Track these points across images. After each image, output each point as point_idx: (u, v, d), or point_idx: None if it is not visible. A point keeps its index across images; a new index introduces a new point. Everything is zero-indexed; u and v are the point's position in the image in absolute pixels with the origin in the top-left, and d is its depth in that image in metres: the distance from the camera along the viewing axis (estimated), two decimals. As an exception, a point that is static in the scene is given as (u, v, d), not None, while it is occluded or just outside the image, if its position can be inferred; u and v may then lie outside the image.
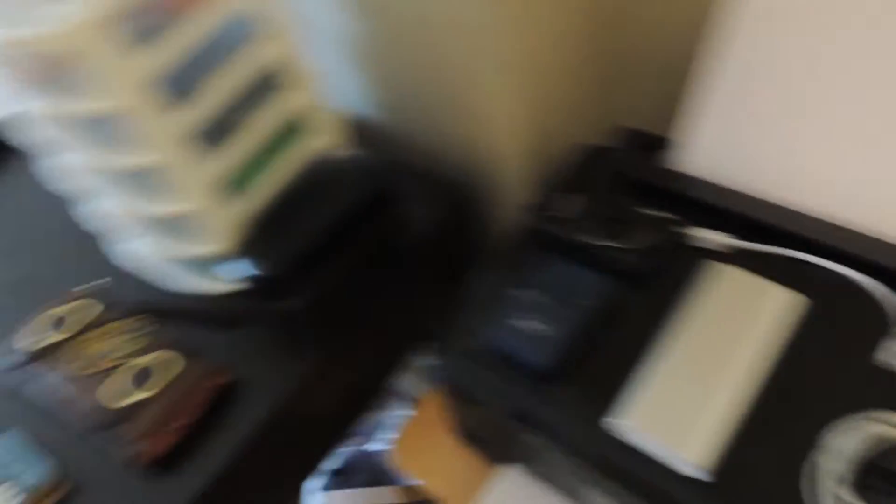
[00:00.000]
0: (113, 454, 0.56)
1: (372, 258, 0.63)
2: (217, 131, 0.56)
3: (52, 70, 0.49)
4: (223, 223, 0.59)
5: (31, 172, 0.79)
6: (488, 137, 0.67)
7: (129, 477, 0.56)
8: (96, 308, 0.63)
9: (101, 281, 0.65)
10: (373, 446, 0.86)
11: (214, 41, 0.53)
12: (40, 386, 0.58)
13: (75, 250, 0.72)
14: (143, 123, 0.51)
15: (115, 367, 0.58)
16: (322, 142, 0.65)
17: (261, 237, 0.60)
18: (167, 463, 0.56)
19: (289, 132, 0.62)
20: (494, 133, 0.66)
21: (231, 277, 0.60)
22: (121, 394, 0.56)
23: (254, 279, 0.59)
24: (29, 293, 0.68)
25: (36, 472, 0.55)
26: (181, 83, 0.52)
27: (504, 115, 0.64)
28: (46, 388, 0.58)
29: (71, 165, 0.57)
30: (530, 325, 0.52)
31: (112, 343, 0.60)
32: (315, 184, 0.63)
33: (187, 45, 0.51)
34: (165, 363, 0.58)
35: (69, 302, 0.63)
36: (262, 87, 0.58)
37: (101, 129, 0.53)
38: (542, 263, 0.56)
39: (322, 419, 0.67)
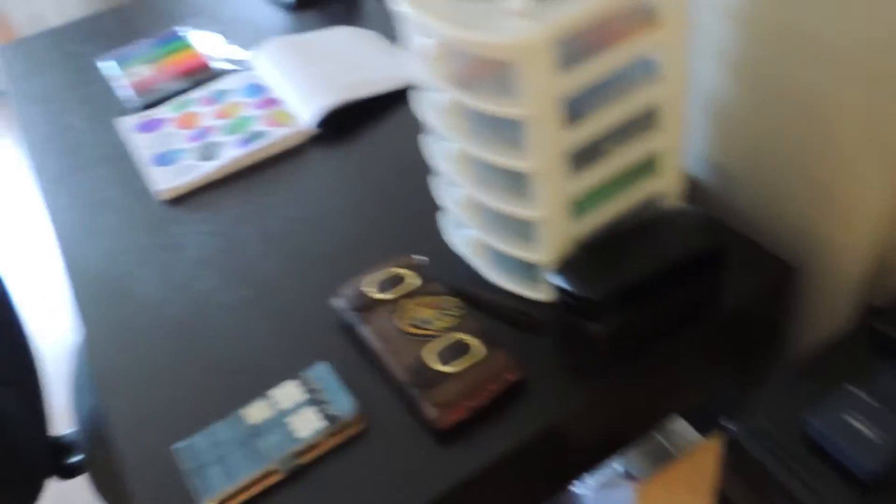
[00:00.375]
0: (410, 410, 0.62)
1: (683, 309, 0.65)
2: (588, 154, 0.60)
3: (485, 71, 0.55)
4: (560, 237, 0.63)
5: (404, 132, 0.89)
6: (835, 218, 0.65)
7: (415, 434, 0.61)
8: (417, 278, 0.69)
9: (422, 258, 0.72)
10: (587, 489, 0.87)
11: (618, 74, 0.57)
12: (365, 331, 0.66)
13: (416, 217, 0.80)
14: (538, 133, 0.56)
15: (429, 337, 0.63)
16: (664, 186, 0.67)
17: (587, 259, 0.63)
18: (450, 436, 0.61)
19: (642, 169, 0.65)
20: (844, 215, 0.65)
21: (550, 287, 0.63)
22: (432, 362, 0.62)
23: (571, 296, 0.62)
24: (371, 245, 0.77)
25: (342, 404, 0.62)
26: (578, 105, 0.57)
27: (861, 197, 0.62)
28: (371, 335, 0.65)
29: (450, 149, 0.64)
30: (858, 425, 0.50)
31: (428, 313, 0.65)
32: (649, 225, 0.65)
33: (600, 73, 0.55)
34: (470, 346, 0.63)
35: (401, 267, 0.70)
36: (639, 123, 0.61)
37: (495, 127, 0.59)
38: (877, 366, 0.54)
39: (582, 446, 0.69)
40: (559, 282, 0.62)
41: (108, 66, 1.14)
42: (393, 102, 0.98)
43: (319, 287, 0.74)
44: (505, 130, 0.59)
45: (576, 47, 0.53)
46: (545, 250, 0.64)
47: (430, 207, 0.81)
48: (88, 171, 0.95)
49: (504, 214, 0.64)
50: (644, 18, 0.55)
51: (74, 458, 1.05)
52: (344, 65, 1.02)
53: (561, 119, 0.55)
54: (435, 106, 0.64)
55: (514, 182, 0.62)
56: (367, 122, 0.96)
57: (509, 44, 0.51)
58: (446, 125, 0.62)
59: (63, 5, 2.75)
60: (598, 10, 0.52)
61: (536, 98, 0.53)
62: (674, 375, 0.69)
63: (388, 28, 1.15)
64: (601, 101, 0.58)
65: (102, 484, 1.02)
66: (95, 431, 1.01)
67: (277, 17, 1.23)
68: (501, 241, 0.66)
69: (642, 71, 0.59)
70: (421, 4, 0.58)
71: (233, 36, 1.19)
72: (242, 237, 0.82)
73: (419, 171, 0.87)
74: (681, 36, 0.58)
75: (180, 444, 0.61)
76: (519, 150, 0.58)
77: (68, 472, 1.05)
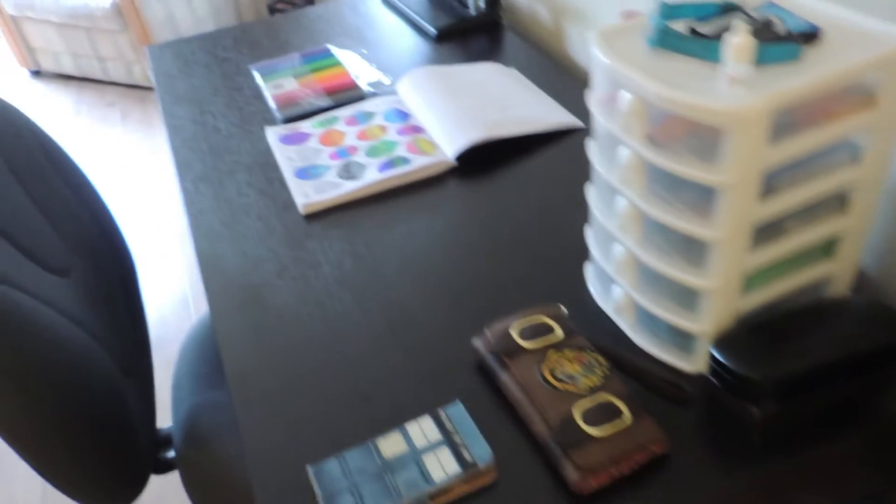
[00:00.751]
0: (547, 467, 0.59)
1: (847, 403, 0.60)
2: (770, 228, 0.57)
3: (681, 132, 0.54)
4: (725, 310, 0.60)
5: (545, 174, 0.88)
6: None
7: (550, 493, 0.59)
8: (561, 330, 0.67)
9: (560, 307, 0.70)
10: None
11: (820, 152, 0.54)
12: (506, 377, 0.64)
13: (555, 263, 0.78)
14: (732, 202, 0.53)
15: (576, 394, 0.61)
16: (837, 270, 0.63)
17: (751, 337, 0.60)
18: (586, 501, 0.58)
19: (820, 250, 0.61)
20: None
21: (703, 360, 0.60)
22: (579, 421, 0.59)
23: (730, 373, 0.59)
24: (510, 287, 0.76)
25: (479, 450, 0.60)
26: (774, 179, 0.54)
27: None
28: (512, 382, 0.63)
29: (620, 204, 0.62)
30: None
31: (574, 369, 0.63)
32: (818, 309, 0.61)
33: (806, 149, 0.52)
34: (615, 411, 0.60)
35: (547, 316, 0.68)
36: (828, 203, 0.58)
37: (677, 189, 0.57)
38: None
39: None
40: (719, 356, 0.59)
41: (255, 76, 1.18)
42: (534, 143, 0.97)
43: (455, 322, 0.73)
44: (687, 193, 0.57)
45: (788, 120, 0.51)
46: (707, 321, 0.61)
47: (571, 254, 0.80)
48: (232, 174, 0.97)
49: (664, 277, 0.61)
50: (860, 98, 0.53)
51: (168, 454, 1.06)
52: (490, 101, 1.02)
53: (758, 191, 0.53)
54: (612, 157, 0.62)
55: (685, 246, 0.60)
56: (506, 160, 0.95)
57: (726, 110, 0.49)
58: (622, 179, 0.60)
59: (196, 11, 2.88)
60: (819, 85, 0.50)
61: (741, 167, 0.51)
62: (827, 472, 0.64)
63: (527, 63, 1.15)
64: (798, 176, 0.55)
65: (193, 483, 1.02)
66: (192, 430, 1.02)
67: (420, 45, 1.25)
68: (656, 304, 0.64)
69: (844, 151, 0.56)
70: (621, 56, 0.57)
71: (377, 60, 1.21)
72: (379, 261, 0.82)
73: (560, 214, 0.85)
74: (894, 120, 0.55)
75: (314, 467, 0.60)
76: (703, 217, 0.56)
77: (161, 468, 1.07)
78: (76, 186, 0.93)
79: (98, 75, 3.04)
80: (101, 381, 0.77)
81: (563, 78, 1.12)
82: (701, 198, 0.56)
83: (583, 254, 0.80)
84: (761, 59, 0.51)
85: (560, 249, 0.81)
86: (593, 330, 0.71)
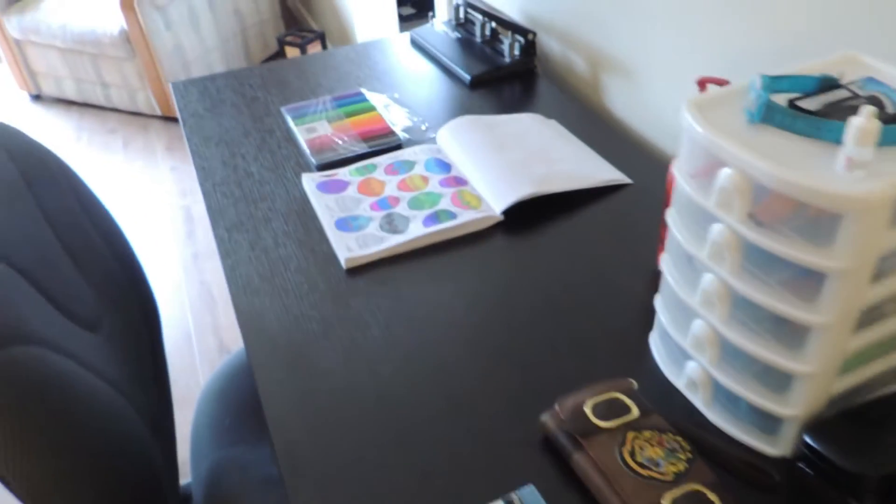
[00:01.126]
0: (632, 564, 0.55)
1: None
2: (872, 311, 0.54)
3: (786, 212, 0.51)
4: (820, 394, 0.57)
5: (596, 231, 0.85)
6: None
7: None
8: (636, 407, 0.63)
9: (632, 382, 0.67)
10: None
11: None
12: (582, 459, 0.60)
13: (613, 328, 0.75)
14: (843, 287, 0.51)
15: (662, 482, 0.57)
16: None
17: (850, 425, 0.57)
18: None
19: (919, 337, 0.59)
20: None
21: (790, 443, 0.57)
22: (665, 511, 0.56)
23: (829, 463, 0.56)
24: (568, 354, 0.72)
25: (555, 539, 0.56)
26: (887, 261, 0.51)
27: None
28: (589, 465, 0.60)
29: (706, 279, 0.59)
30: None
31: (656, 453, 0.60)
32: (916, 396, 0.58)
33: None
34: (707, 502, 0.56)
35: (620, 392, 0.64)
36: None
37: (773, 269, 0.54)
38: None
39: None
40: (816, 445, 0.56)
41: (287, 118, 1.15)
42: (579, 197, 0.95)
43: (515, 392, 0.69)
44: (782, 271, 0.54)
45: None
46: (799, 405, 0.58)
47: (628, 318, 0.77)
48: (267, 223, 0.94)
49: (748, 356, 0.58)
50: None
51: (186, 510, 1.01)
52: (535, 154, 0.99)
53: (871, 275, 0.50)
54: (698, 231, 0.59)
55: (776, 325, 0.57)
56: (551, 215, 0.92)
57: (850, 196, 0.46)
58: (713, 255, 0.58)
59: (205, 41, 2.86)
60: (944, 171, 0.47)
61: (858, 253, 0.48)
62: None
63: (563, 113, 1.13)
64: (907, 261, 0.53)
65: (212, 544, 0.97)
66: (215, 490, 0.96)
67: (453, 90, 1.23)
68: (739, 383, 0.61)
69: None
70: (719, 129, 0.54)
71: (409, 105, 1.19)
72: (428, 322, 0.78)
73: (614, 274, 0.82)
74: None
75: (381, 556, 0.56)
76: (805, 299, 0.53)
77: (180, 526, 1.01)
78: (107, 234, 0.89)
79: (100, 101, 3.00)
80: (134, 444, 0.73)
81: (601, 129, 1.10)
82: (797, 276, 0.54)
83: (642, 318, 0.77)
84: (880, 141, 0.49)
85: (617, 313, 0.78)
86: (661, 405, 0.68)
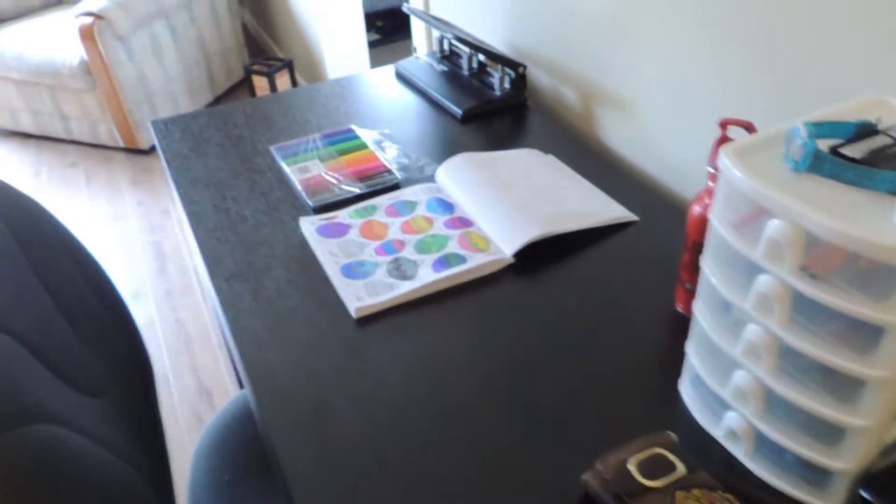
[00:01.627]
0: None
1: None
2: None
3: (838, 263, 0.50)
4: (873, 446, 0.56)
5: (609, 271, 0.84)
6: None
7: None
8: (680, 464, 0.61)
9: (672, 436, 0.65)
10: None
11: None
12: (633, 523, 0.58)
13: (638, 374, 0.73)
14: (891, 337, 0.49)
15: (715, 542, 0.55)
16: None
17: (901, 476, 0.56)
18: None
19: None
20: None
21: (842, 497, 0.56)
22: (724, 576, 0.54)
23: (881, 517, 0.54)
24: (594, 403, 0.70)
25: None
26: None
27: None
28: (640, 529, 0.57)
29: (752, 331, 0.58)
30: None
31: (705, 511, 0.58)
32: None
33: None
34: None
35: (662, 447, 0.62)
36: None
37: (826, 321, 0.53)
38: None
39: None
40: (875, 500, 0.55)
41: (277, 158, 1.11)
42: (585, 235, 0.93)
43: (544, 446, 0.67)
44: (833, 323, 0.53)
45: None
46: (851, 458, 0.56)
47: (652, 363, 0.75)
48: (268, 271, 0.90)
49: (795, 407, 0.57)
50: None
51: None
52: (540, 193, 0.98)
53: (930, 328, 0.49)
54: (740, 280, 0.58)
55: (825, 377, 0.55)
56: (560, 254, 0.90)
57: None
58: (760, 306, 0.56)
59: (168, 70, 2.80)
60: None
61: (920, 307, 0.47)
62: None
63: (556, 147, 1.12)
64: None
65: None
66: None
67: (444, 124, 1.21)
68: (786, 436, 0.59)
69: None
70: (763, 178, 0.53)
71: (401, 140, 1.17)
72: (448, 371, 0.75)
73: (631, 317, 0.81)
74: None
75: None
76: (860, 352, 0.52)
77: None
78: (100, 290, 0.84)
79: (59, 134, 2.91)
80: (142, 520, 0.68)
81: (597, 163, 1.09)
82: (849, 327, 0.52)
83: (666, 362, 0.75)
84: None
85: (638, 356, 0.76)
86: (697, 454, 0.66)
